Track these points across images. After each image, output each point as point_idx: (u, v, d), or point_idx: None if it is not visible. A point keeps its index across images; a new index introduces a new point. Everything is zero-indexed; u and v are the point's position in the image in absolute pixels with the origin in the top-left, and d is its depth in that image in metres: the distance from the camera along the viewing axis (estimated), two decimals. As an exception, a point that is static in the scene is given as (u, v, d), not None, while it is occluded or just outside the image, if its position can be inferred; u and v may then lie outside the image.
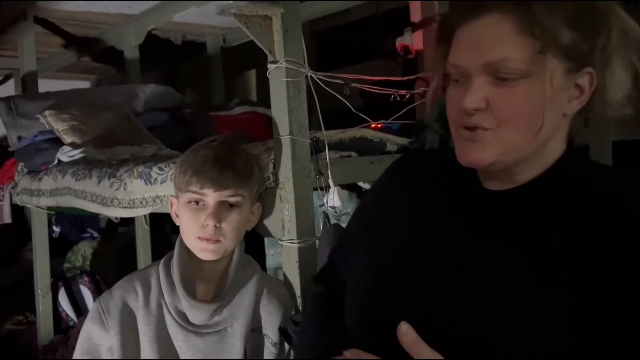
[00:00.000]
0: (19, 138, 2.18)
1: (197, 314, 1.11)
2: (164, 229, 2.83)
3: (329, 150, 1.27)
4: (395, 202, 0.90)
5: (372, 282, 0.83)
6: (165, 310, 1.13)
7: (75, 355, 1.14)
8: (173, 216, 1.20)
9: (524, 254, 0.71)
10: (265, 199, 1.23)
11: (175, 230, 1.18)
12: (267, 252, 1.91)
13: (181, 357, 1.11)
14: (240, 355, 1.12)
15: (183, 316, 1.12)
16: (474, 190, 0.82)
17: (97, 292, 2.62)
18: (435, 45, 0.83)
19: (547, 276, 0.69)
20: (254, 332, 1.14)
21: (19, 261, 3.04)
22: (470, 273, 0.74)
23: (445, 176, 0.87)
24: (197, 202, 1.12)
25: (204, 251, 1.12)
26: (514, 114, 0.72)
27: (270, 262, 1.91)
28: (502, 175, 0.78)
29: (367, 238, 0.90)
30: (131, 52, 2.77)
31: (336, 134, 1.36)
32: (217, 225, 1.10)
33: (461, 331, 0.71)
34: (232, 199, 1.12)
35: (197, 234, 1.11)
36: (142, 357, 1.12)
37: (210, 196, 1.10)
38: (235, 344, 1.12)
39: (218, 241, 1.11)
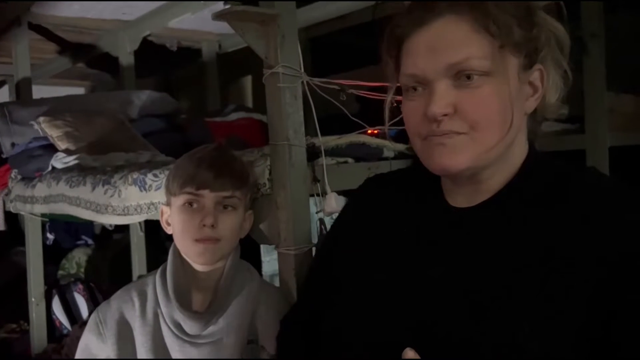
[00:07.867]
0: (13, 144, 2.16)
1: (191, 324, 1.09)
2: (158, 236, 2.82)
3: (325, 156, 1.27)
4: (367, 229, 0.88)
5: (355, 311, 0.81)
6: (161, 320, 1.11)
7: None
8: (164, 225, 1.18)
9: (501, 266, 0.70)
10: (261, 205, 1.22)
11: (170, 237, 1.17)
12: (262, 259, 1.90)
13: None
14: None
15: (179, 326, 1.10)
16: (442, 209, 0.81)
17: (91, 300, 2.60)
18: (385, 60, 0.81)
19: (527, 287, 0.68)
20: (251, 343, 1.12)
21: (6, 263, 3.00)
22: (451, 294, 0.73)
23: (410, 197, 0.86)
24: (191, 203, 1.10)
25: (201, 255, 1.09)
26: (485, 115, 0.71)
27: (266, 269, 1.90)
28: (471, 183, 0.77)
29: (342, 269, 0.88)
30: (126, 58, 2.77)
31: (333, 140, 1.35)
32: (215, 226, 1.08)
33: (448, 347, 0.70)
34: (228, 201, 1.11)
35: (194, 237, 1.09)
36: (138, 367, 1.10)
37: (207, 197, 1.09)
38: (233, 356, 1.10)
39: (217, 241, 1.09)
